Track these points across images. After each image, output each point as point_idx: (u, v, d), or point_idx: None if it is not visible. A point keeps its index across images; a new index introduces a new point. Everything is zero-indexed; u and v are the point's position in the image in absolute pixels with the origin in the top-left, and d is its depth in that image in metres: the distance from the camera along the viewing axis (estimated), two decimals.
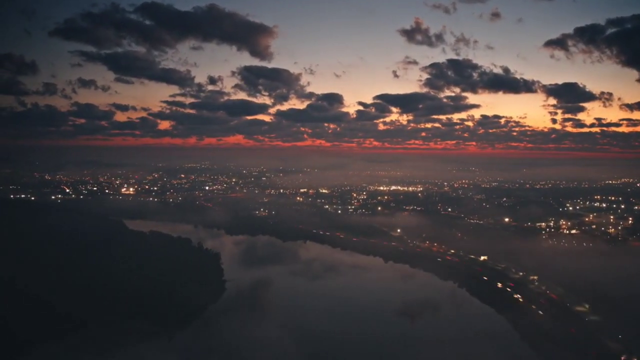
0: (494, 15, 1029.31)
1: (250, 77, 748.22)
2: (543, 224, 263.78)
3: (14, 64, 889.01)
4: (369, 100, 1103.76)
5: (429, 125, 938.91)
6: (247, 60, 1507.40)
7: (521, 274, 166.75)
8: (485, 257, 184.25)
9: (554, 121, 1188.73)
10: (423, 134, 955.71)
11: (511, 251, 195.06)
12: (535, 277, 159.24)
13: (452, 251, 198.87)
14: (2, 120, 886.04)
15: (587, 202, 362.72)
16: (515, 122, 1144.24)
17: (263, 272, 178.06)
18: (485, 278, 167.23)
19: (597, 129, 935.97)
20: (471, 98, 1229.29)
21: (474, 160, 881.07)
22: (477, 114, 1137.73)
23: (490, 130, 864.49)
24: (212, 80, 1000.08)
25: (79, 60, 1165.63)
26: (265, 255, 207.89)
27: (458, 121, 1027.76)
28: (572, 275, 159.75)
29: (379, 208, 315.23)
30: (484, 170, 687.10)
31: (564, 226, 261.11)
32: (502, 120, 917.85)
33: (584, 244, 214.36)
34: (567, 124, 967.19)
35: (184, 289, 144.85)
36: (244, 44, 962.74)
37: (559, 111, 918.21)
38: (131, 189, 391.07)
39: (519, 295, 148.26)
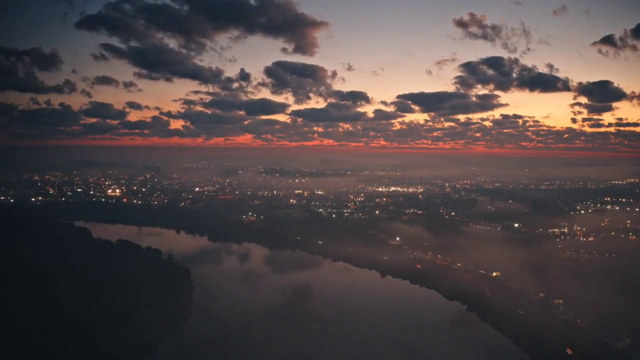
0: (560, 9, 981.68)
1: (280, 74, 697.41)
2: (556, 229, 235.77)
3: (35, 59, 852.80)
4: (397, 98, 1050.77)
5: (446, 125, 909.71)
6: (288, 55, 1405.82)
7: (542, 295, 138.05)
8: (498, 273, 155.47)
9: (574, 120, 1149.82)
10: (435, 133, 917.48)
11: (526, 264, 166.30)
12: (560, 301, 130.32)
13: (459, 264, 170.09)
14: (12, 119, 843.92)
15: (598, 205, 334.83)
16: (535, 121, 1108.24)
17: (239, 290, 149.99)
18: (499, 299, 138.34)
19: (613, 129, 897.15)
20: (503, 97, 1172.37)
21: (476, 160, 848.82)
22: (501, 113, 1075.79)
23: (505, 130, 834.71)
24: (244, 76, 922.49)
25: (102, 51, 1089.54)
26: (247, 268, 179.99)
27: (478, 121, 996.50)
28: (601, 296, 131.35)
29: (377, 212, 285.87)
30: (486, 170, 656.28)
31: (579, 232, 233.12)
32: (520, 121, 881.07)
33: (606, 255, 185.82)
34: (585, 123, 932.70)
35: (140, 317, 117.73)
36: (290, 37, 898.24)
37: (585, 110, 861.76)
38: (117, 191, 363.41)
39: (541, 324, 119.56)
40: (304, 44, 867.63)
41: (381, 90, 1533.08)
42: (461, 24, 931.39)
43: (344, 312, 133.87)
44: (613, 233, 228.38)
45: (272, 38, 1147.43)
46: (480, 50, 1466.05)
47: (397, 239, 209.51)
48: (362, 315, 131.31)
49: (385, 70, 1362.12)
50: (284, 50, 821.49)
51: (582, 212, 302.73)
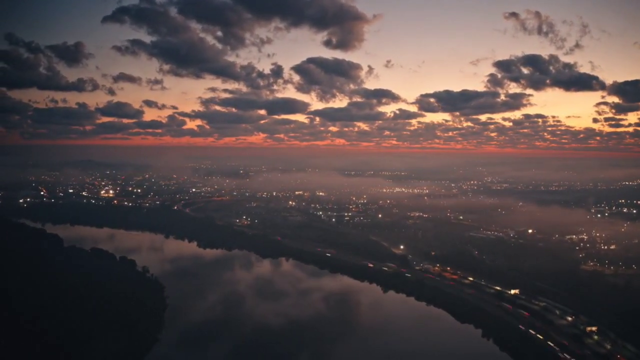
0: (620, 5, 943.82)
1: (312, 71, 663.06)
2: (574, 236, 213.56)
3: (59, 54, 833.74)
4: (421, 97, 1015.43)
5: (464, 125, 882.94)
6: (329, 50, 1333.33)
7: (569, 318, 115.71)
8: (517, 291, 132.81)
9: (596, 120, 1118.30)
10: (450, 133, 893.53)
11: (547, 278, 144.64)
12: (594, 329, 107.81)
13: (471, 278, 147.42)
14: (27, 117, 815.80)
15: (613, 207, 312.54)
16: (557, 121, 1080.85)
17: (219, 310, 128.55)
18: (520, 323, 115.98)
19: (631, 129, 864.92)
20: (536, 95, 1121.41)
21: (485, 161, 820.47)
22: (525, 112, 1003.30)
23: (522, 130, 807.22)
24: (277, 72, 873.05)
25: (128, 46, 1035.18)
26: (233, 282, 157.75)
27: (499, 120, 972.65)
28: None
29: (380, 215, 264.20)
30: (494, 170, 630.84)
31: (599, 239, 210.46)
32: (540, 120, 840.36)
33: (634, 266, 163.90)
34: (606, 123, 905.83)
35: (96, 344, 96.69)
36: (336, 31, 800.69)
37: (611, 110, 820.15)
38: (111, 192, 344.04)
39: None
40: (350, 39, 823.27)
41: (414, 88, 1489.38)
42: (513, 16, 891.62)
43: (340, 338, 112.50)
44: (636, 240, 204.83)
45: (316, 32, 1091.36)
46: (524, 47, 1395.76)
47: (401, 247, 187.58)
48: (352, 342, 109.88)
49: (424, 68, 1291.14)
50: (328, 43, 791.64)
51: (599, 215, 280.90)
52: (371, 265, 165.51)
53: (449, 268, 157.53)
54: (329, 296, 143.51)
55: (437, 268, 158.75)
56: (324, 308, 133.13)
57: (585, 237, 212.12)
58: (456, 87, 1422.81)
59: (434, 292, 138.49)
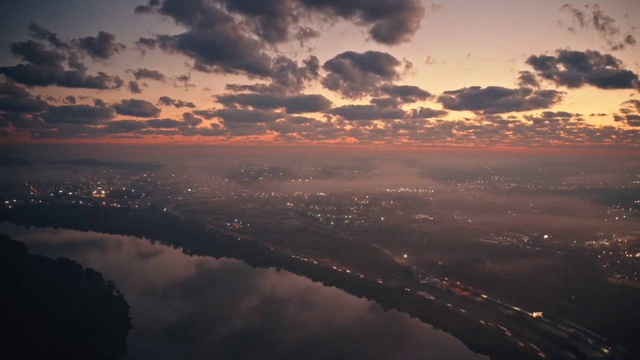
0: None
1: (345, 66, 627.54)
2: (594, 242, 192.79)
3: (84, 48, 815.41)
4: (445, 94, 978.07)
5: (483, 123, 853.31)
6: (373, 45, 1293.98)
7: (605, 350, 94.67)
8: (540, 314, 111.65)
9: (618, 118, 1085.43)
10: (465, 132, 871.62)
11: (572, 295, 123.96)
12: None
13: (484, 296, 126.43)
14: (41, 116, 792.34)
15: (630, 209, 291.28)
16: (579, 119, 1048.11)
17: (190, 334, 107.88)
18: (546, 355, 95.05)
19: None
20: (569, 93, 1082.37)
21: (492, 159, 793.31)
22: (546, 111, 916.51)
23: (540, 129, 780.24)
24: (313, 67, 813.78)
25: (153, 39, 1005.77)
26: (215, 296, 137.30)
27: (521, 118, 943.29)
28: None
29: (382, 218, 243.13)
30: (501, 169, 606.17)
31: (621, 245, 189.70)
32: (560, 119, 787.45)
33: None
34: (627, 121, 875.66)
35: None
36: (387, 23, 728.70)
37: (638, 107, 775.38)
38: (102, 192, 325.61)
39: None
40: (399, 31, 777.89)
41: (453, 84, 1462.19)
42: (568, 8, 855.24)
43: None
44: None
45: (364, 23, 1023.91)
46: (569, 42, 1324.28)
47: (405, 255, 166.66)
48: None
49: (465, 63, 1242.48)
50: (375, 34, 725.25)
51: (616, 218, 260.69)
52: (371, 277, 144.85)
53: (458, 282, 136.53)
54: (320, 315, 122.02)
55: (445, 282, 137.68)
56: (311, 330, 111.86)
57: (607, 243, 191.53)
58: (496, 83, 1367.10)
59: (442, 313, 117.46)
